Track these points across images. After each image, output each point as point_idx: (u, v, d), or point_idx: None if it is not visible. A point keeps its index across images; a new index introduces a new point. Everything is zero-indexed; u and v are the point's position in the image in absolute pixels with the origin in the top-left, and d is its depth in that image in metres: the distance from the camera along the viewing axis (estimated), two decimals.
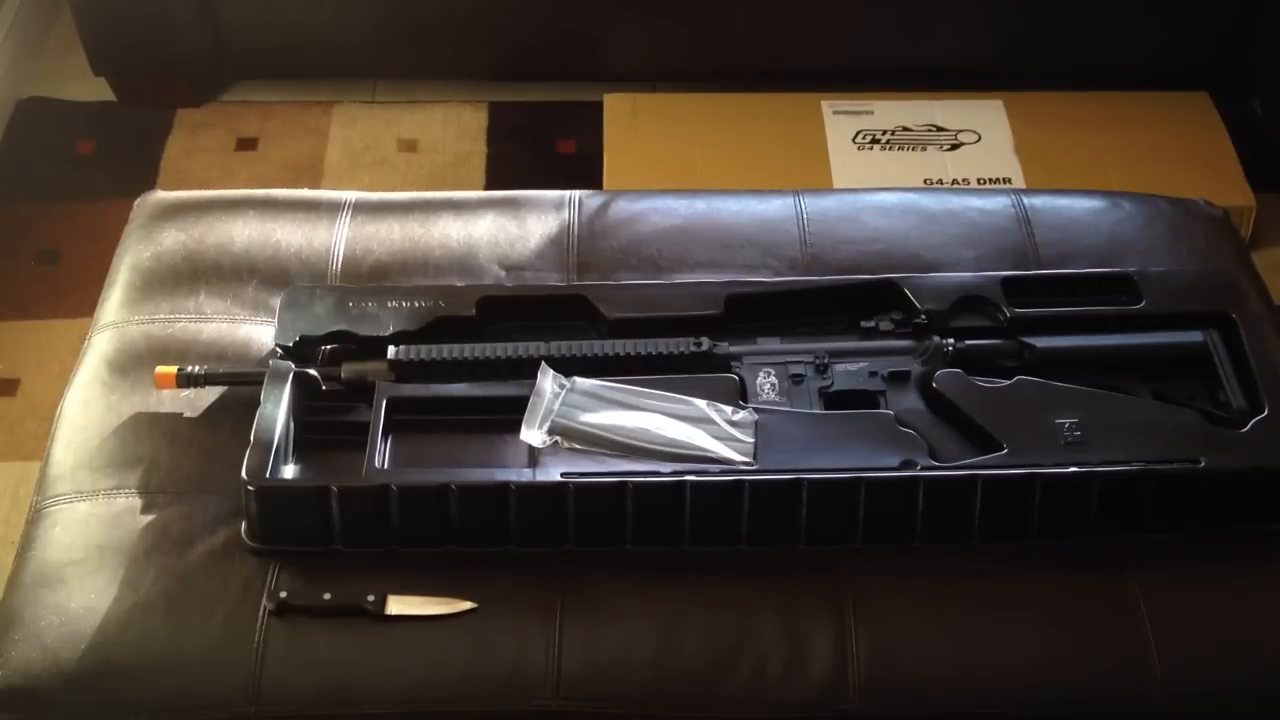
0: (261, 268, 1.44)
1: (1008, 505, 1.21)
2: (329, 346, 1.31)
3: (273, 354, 1.31)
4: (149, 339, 1.39)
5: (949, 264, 1.46)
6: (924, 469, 1.20)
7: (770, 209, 1.53)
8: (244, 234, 1.47)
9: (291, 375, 1.26)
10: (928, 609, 1.21)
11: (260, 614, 1.18)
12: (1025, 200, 1.54)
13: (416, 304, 1.34)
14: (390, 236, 1.48)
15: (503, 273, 1.45)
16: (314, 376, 1.28)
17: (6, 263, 2.20)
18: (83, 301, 1.77)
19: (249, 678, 1.16)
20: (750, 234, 1.50)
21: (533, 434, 1.21)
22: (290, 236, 1.47)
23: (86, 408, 1.33)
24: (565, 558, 1.22)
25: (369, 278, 1.43)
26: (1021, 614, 1.21)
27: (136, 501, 1.23)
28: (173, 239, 1.48)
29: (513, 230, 1.49)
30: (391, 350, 1.29)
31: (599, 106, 2.36)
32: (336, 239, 1.47)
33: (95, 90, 2.47)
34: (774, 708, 1.18)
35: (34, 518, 1.28)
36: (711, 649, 1.19)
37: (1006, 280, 1.36)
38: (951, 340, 1.31)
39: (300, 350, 1.31)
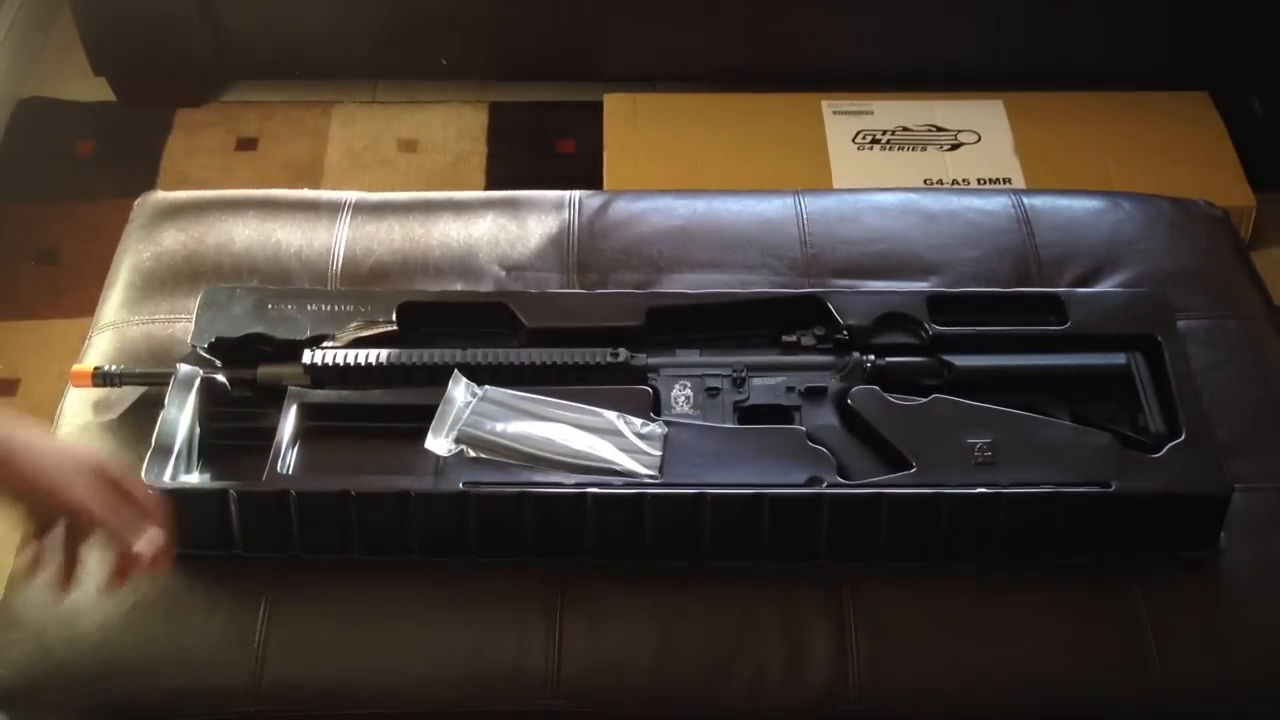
0: (261, 268, 1.44)
1: (914, 524, 1.20)
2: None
3: (190, 355, 1.30)
4: (149, 339, 1.39)
5: (949, 264, 1.46)
6: (829, 486, 1.19)
7: (770, 209, 1.53)
8: (244, 234, 1.47)
9: (198, 380, 1.26)
10: (927, 610, 1.21)
11: (259, 610, 1.18)
12: (1025, 200, 1.54)
13: (336, 308, 1.33)
14: (390, 236, 1.48)
15: (503, 273, 1.45)
16: (221, 382, 1.27)
17: (6, 263, 2.20)
18: (83, 301, 1.77)
19: (249, 678, 1.16)
20: (750, 234, 1.50)
21: (439, 442, 1.20)
22: (290, 236, 1.47)
23: (86, 408, 1.33)
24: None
25: (369, 278, 1.43)
26: (1021, 614, 1.21)
27: None
28: (173, 239, 1.48)
29: (513, 230, 1.49)
30: (306, 355, 1.28)
31: (599, 106, 2.36)
32: (336, 239, 1.47)
33: (95, 90, 2.47)
34: (774, 708, 1.18)
35: None
36: (712, 650, 1.19)
37: (932, 297, 1.36)
38: (871, 357, 1.31)
39: (218, 351, 1.30)
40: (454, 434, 1.20)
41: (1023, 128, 2.31)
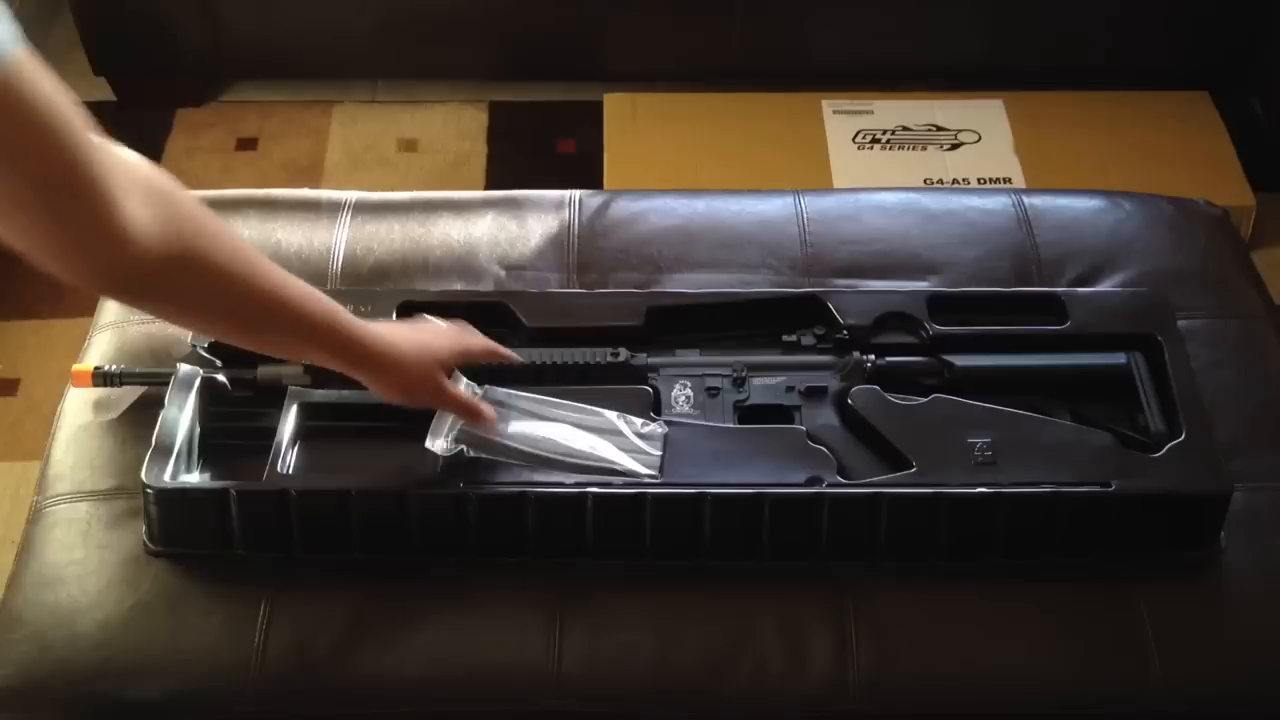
0: None
1: (913, 524, 1.20)
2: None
3: (190, 354, 1.29)
4: (149, 339, 1.38)
5: (949, 264, 1.46)
6: (829, 486, 1.19)
7: (770, 209, 1.53)
8: (244, 234, 1.47)
9: (199, 380, 1.26)
10: (927, 609, 1.21)
11: (259, 610, 1.18)
12: (1025, 200, 1.54)
13: None
14: (390, 236, 1.48)
15: (503, 272, 1.45)
16: (221, 382, 1.27)
17: (6, 263, 2.19)
18: (83, 301, 1.77)
19: (249, 678, 1.16)
20: (750, 234, 1.50)
21: (439, 442, 1.20)
22: (290, 236, 1.47)
23: (86, 408, 1.33)
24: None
25: (369, 278, 1.43)
26: (1021, 614, 1.21)
27: (137, 502, 1.23)
28: None
29: (513, 230, 1.49)
30: None
31: (599, 106, 2.36)
32: (336, 239, 1.47)
33: (95, 90, 2.47)
34: (774, 707, 1.18)
35: (34, 518, 1.28)
36: (712, 649, 1.19)
37: (932, 297, 1.36)
38: (871, 357, 1.31)
39: (217, 350, 1.29)
40: (454, 434, 1.20)
41: (1023, 128, 2.31)
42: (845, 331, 1.33)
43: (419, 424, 1.21)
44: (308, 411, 1.26)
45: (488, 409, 1.20)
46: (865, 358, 1.31)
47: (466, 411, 1.19)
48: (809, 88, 2.38)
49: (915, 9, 2.37)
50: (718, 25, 2.38)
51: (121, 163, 0.89)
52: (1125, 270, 1.46)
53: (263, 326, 1.05)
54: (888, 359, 1.31)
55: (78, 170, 0.82)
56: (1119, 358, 1.32)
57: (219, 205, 1.51)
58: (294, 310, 1.05)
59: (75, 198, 0.83)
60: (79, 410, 1.34)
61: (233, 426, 1.27)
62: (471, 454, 1.20)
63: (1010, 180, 2.23)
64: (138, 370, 1.32)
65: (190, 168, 2.38)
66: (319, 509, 1.19)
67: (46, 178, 0.81)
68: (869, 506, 1.19)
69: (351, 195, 1.53)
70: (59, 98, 0.82)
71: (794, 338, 1.34)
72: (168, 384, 1.26)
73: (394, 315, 1.32)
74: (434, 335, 1.18)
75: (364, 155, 2.41)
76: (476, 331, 1.23)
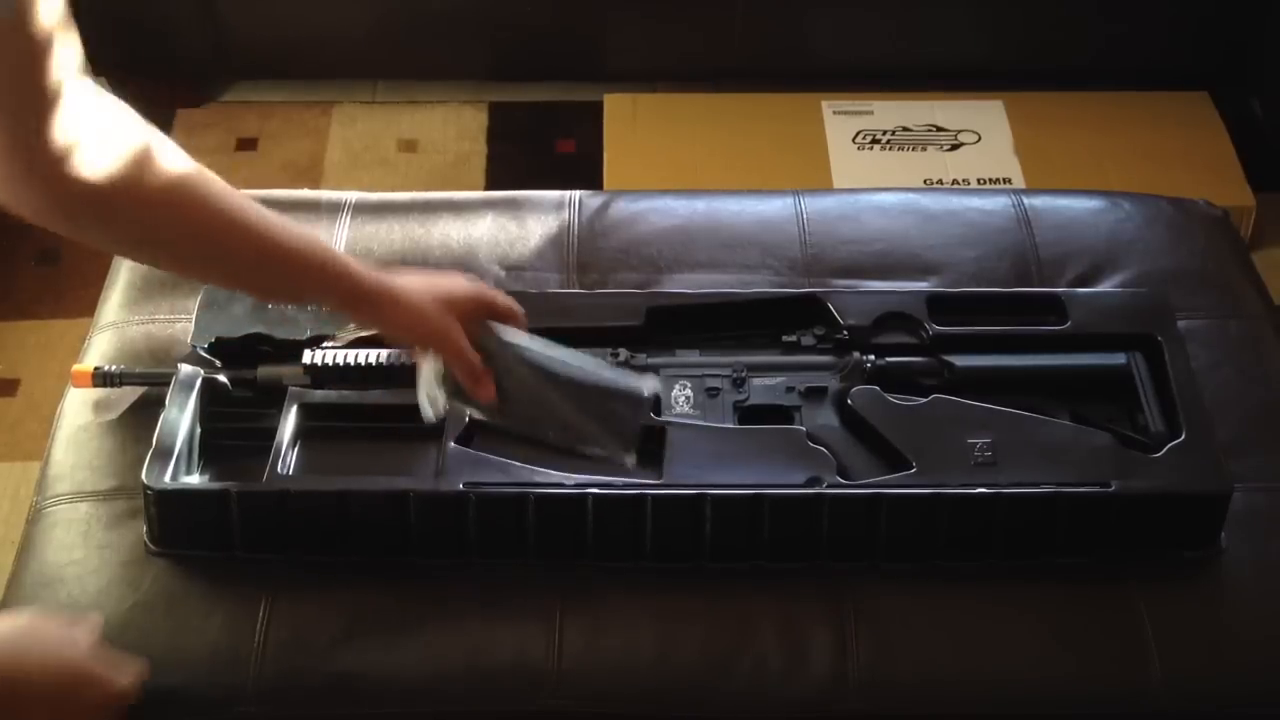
0: None
1: (913, 525, 1.20)
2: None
3: (190, 355, 1.29)
4: (149, 339, 1.39)
5: (949, 264, 1.46)
6: (829, 486, 1.19)
7: (770, 209, 1.53)
8: None
9: (199, 380, 1.26)
10: (927, 609, 1.21)
11: (259, 610, 1.18)
12: (1025, 200, 1.54)
13: None
14: (390, 237, 1.48)
15: (503, 273, 1.45)
16: (222, 383, 1.27)
17: (6, 263, 2.20)
18: (83, 301, 1.77)
19: (249, 678, 1.16)
20: (750, 234, 1.50)
21: (429, 402, 1.16)
22: None
23: (86, 408, 1.33)
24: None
25: None
26: (1022, 614, 1.21)
27: (137, 502, 1.23)
28: None
29: (513, 230, 1.49)
30: (307, 355, 1.27)
31: (599, 106, 2.36)
32: (336, 239, 1.47)
33: None
34: (774, 708, 1.18)
35: (34, 518, 1.28)
36: (712, 650, 1.19)
37: (932, 297, 1.36)
38: (871, 357, 1.31)
39: (217, 351, 1.29)
40: (446, 386, 1.17)
41: (1023, 128, 2.31)
42: (845, 332, 1.33)
43: (419, 425, 1.21)
44: (308, 412, 1.26)
45: (489, 386, 1.16)
46: (865, 358, 1.31)
47: (468, 372, 1.15)
48: (809, 88, 2.38)
49: (915, 9, 2.37)
50: (718, 25, 2.38)
51: (91, 103, 0.98)
52: (1125, 270, 1.46)
53: (239, 268, 1.09)
54: (888, 359, 1.31)
55: (42, 103, 0.92)
56: (1119, 358, 1.32)
57: None
58: (282, 251, 1.07)
59: (32, 129, 0.93)
60: (79, 410, 1.34)
61: (233, 427, 1.27)
62: (472, 415, 1.19)
63: (1010, 180, 2.23)
64: (137, 371, 1.32)
65: None
66: (319, 510, 1.19)
67: (15, 103, 0.91)
68: (869, 507, 1.19)
69: (351, 196, 1.53)
70: (53, 38, 0.90)
71: (794, 338, 1.34)
72: (167, 384, 1.26)
73: None
74: (453, 284, 1.18)
75: (364, 155, 2.41)
76: (500, 292, 1.23)
